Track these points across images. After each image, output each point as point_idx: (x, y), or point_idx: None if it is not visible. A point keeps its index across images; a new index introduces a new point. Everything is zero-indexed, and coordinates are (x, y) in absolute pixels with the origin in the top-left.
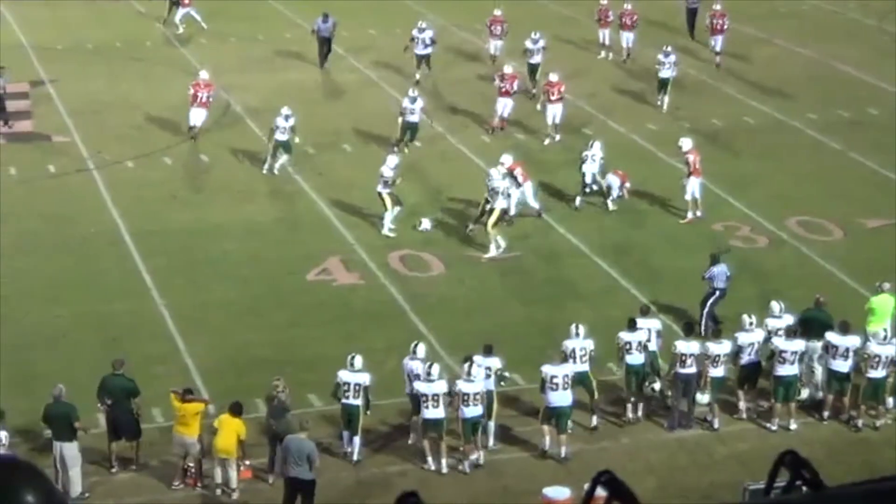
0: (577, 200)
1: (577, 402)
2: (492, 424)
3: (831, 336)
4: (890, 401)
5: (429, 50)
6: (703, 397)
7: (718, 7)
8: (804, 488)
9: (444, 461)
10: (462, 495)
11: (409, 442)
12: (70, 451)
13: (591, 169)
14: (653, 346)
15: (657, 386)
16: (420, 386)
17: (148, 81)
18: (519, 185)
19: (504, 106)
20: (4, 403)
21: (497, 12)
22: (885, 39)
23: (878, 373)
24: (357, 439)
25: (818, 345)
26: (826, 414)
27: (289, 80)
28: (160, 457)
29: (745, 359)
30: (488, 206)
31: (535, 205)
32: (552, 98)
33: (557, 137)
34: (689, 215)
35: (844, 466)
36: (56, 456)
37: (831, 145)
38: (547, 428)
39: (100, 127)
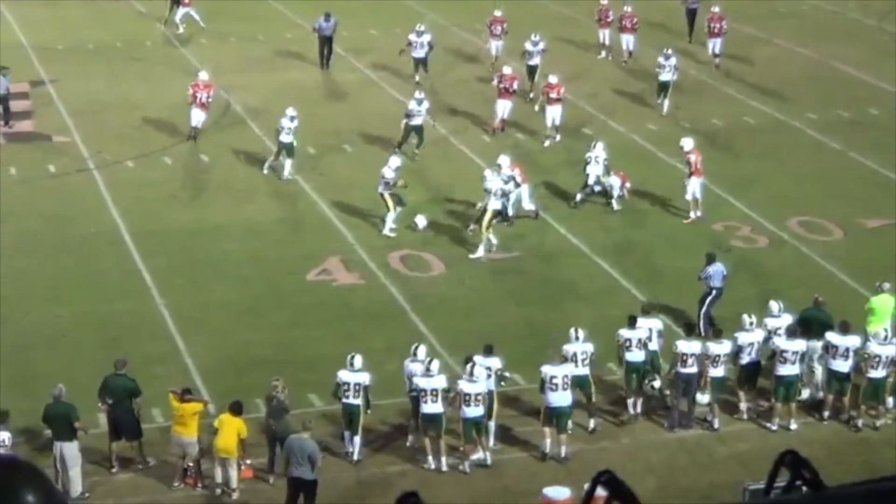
0: (577, 196)
1: (576, 402)
2: (492, 424)
3: (831, 336)
4: (890, 401)
5: (426, 53)
6: (703, 397)
7: (717, 10)
8: (804, 488)
9: (443, 458)
10: (462, 495)
11: (408, 444)
12: (70, 451)
13: (595, 171)
14: (654, 346)
15: (657, 384)
16: (419, 381)
17: (148, 81)
18: (517, 185)
19: (504, 107)
20: (4, 403)
21: (497, 13)
22: (885, 39)
23: (878, 373)
24: (357, 439)
25: (818, 344)
26: (826, 414)
27: (289, 80)
28: (160, 457)
29: (745, 358)
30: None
31: (530, 206)
32: (552, 99)
33: (558, 138)
34: (692, 215)
35: (844, 466)
36: (56, 456)
37: (831, 145)
38: (548, 430)
39: (100, 127)
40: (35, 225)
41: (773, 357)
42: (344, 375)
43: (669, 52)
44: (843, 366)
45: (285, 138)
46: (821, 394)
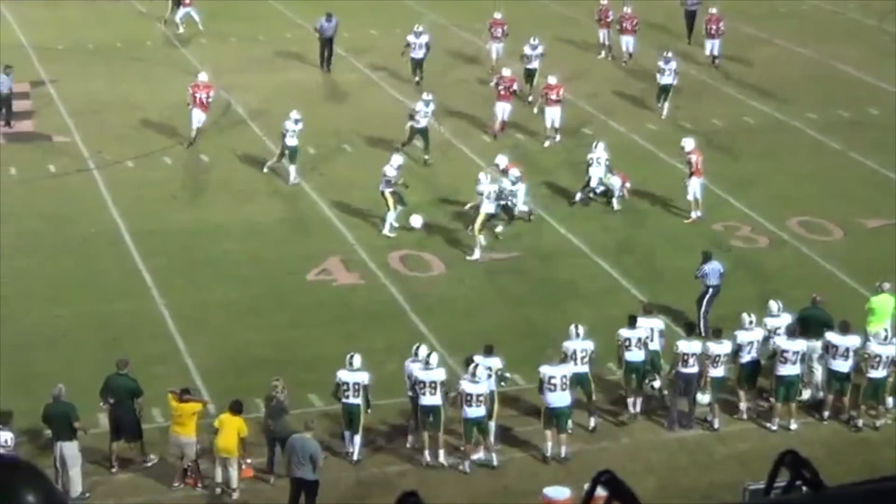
0: (577, 196)
1: (576, 402)
2: (492, 424)
3: (831, 336)
4: (890, 401)
5: (424, 54)
6: (703, 397)
7: (714, 11)
8: (804, 488)
9: (441, 452)
10: (462, 495)
11: (408, 444)
12: (70, 450)
13: (597, 172)
14: (655, 346)
15: (657, 384)
16: (418, 373)
17: (148, 81)
18: (514, 183)
19: (503, 110)
20: (4, 403)
21: (497, 15)
22: (885, 39)
23: (878, 373)
24: (358, 438)
25: (818, 344)
26: (826, 414)
27: (289, 80)
28: (160, 457)
29: (744, 357)
30: (469, 207)
31: (524, 207)
32: (551, 100)
33: (557, 138)
34: (692, 215)
35: (844, 466)
36: (56, 456)
37: (831, 145)
38: (549, 433)
39: (100, 127)
40: (35, 225)
41: (774, 357)
42: (343, 375)
43: (669, 55)
44: (843, 366)
45: (290, 141)
46: (821, 394)
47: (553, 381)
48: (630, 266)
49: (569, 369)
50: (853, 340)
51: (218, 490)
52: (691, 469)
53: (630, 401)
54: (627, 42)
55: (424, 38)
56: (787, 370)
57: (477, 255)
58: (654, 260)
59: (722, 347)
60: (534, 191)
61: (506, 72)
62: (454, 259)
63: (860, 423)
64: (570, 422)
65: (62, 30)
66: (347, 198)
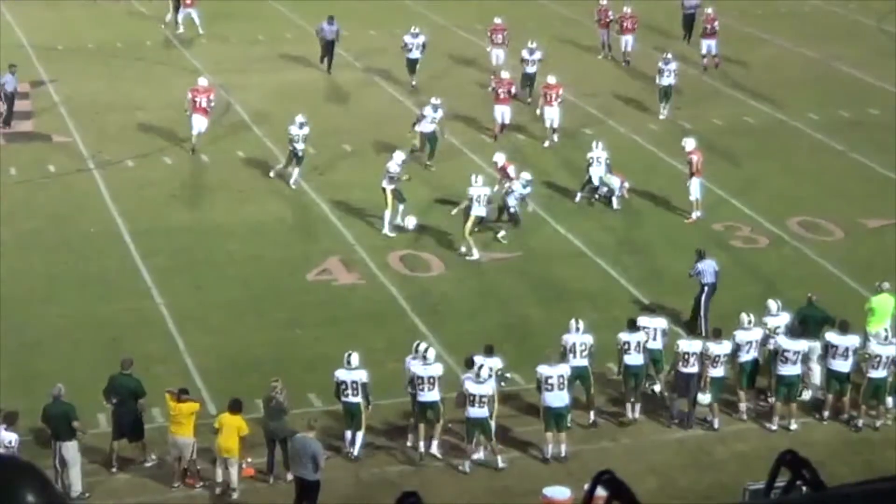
0: (577, 196)
1: (575, 401)
2: (492, 424)
3: (831, 336)
4: (890, 401)
5: (420, 55)
6: (703, 398)
7: (710, 11)
8: (804, 488)
9: (435, 443)
10: (462, 495)
11: (408, 444)
12: (69, 450)
13: (598, 172)
14: (658, 345)
15: (657, 388)
16: (417, 369)
17: (148, 81)
18: (503, 179)
19: (502, 113)
20: (4, 403)
21: (497, 20)
22: (885, 39)
23: (878, 373)
24: (360, 434)
25: (817, 344)
26: (826, 414)
27: (289, 80)
28: (160, 457)
29: (743, 356)
30: (456, 212)
31: (513, 210)
32: (550, 101)
33: (556, 139)
34: (693, 216)
35: (844, 466)
36: (56, 456)
37: (831, 145)
38: (550, 435)
39: (100, 127)
40: (35, 225)
41: (774, 357)
42: (341, 374)
43: (669, 56)
44: (842, 366)
45: (299, 147)
46: (821, 393)
47: (550, 381)
48: (630, 266)
49: (566, 369)
50: (853, 340)
51: (218, 490)
52: (691, 469)
53: (629, 406)
54: (626, 42)
55: (421, 39)
56: (788, 370)
57: (476, 255)
58: (654, 260)
59: (722, 347)
60: (534, 191)
61: (504, 75)
62: (454, 259)
63: (860, 423)
64: (569, 417)
65: (62, 30)
66: (347, 198)
